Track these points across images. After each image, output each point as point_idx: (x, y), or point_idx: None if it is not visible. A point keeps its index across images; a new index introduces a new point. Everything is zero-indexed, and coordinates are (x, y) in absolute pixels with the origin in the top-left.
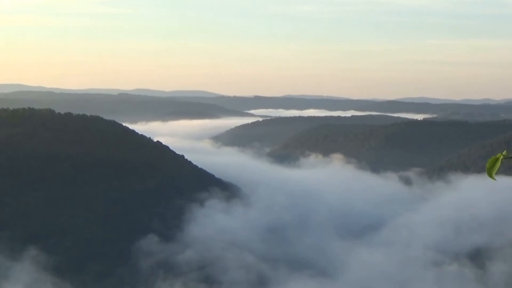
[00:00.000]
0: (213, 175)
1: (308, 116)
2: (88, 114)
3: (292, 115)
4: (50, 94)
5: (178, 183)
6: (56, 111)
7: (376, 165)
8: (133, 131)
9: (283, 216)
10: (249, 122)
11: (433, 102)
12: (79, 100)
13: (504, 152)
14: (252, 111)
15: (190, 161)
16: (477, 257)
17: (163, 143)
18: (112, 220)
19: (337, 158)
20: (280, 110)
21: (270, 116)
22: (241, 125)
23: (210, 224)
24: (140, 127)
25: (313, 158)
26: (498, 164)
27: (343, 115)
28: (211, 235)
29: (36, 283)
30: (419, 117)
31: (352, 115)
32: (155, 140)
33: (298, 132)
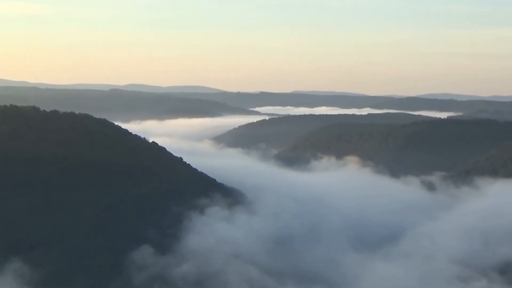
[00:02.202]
0: (215, 180)
1: (320, 114)
2: (77, 112)
3: (302, 113)
4: (35, 89)
5: (176, 188)
6: (41, 109)
7: (395, 169)
8: (126, 131)
9: (292, 225)
10: (254, 120)
11: (458, 98)
12: (67, 97)
13: None
14: (257, 109)
15: (189, 164)
16: (508, 271)
17: (159, 144)
18: (103, 229)
19: (351, 161)
20: (289, 107)
21: (277, 114)
22: (245, 124)
23: (211, 234)
24: (134, 127)
25: (325, 161)
26: None
27: (358, 113)
28: (211, 246)
29: None
30: (443, 115)
31: (368, 113)
32: (150, 140)
33: (308, 132)
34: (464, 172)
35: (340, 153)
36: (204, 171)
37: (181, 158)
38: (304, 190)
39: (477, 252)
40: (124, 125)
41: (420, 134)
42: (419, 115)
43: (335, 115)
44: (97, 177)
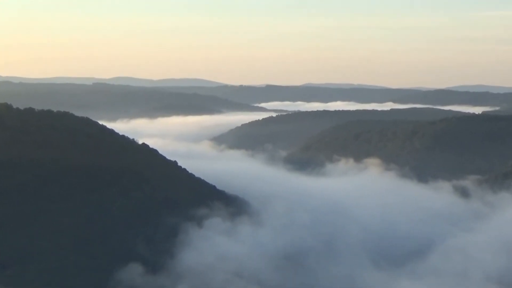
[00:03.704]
0: (214, 186)
1: (335, 110)
2: (55, 110)
3: (315, 109)
4: (7, 84)
5: (170, 197)
6: (14, 106)
7: (422, 172)
8: (112, 131)
9: (304, 239)
10: (260, 118)
11: (494, 91)
12: (44, 92)
13: None
14: (263, 105)
15: (184, 169)
16: None
17: (151, 145)
18: (85, 244)
19: (372, 164)
20: (299, 102)
21: (286, 111)
22: (249, 123)
23: (210, 249)
24: (121, 126)
25: (342, 164)
26: None
27: (379, 109)
28: (211, 263)
29: None
30: (477, 110)
31: (390, 109)
32: (140, 142)
33: (322, 130)
34: (502, 175)
35: (358, 155)
36: (202, 177)
37: (175, 162)
38: (318, 197)
39: None
40: (109, 124)
41: (450, 133)
42: (449, 111)
43: (352, 111)
44: (78, 184)
